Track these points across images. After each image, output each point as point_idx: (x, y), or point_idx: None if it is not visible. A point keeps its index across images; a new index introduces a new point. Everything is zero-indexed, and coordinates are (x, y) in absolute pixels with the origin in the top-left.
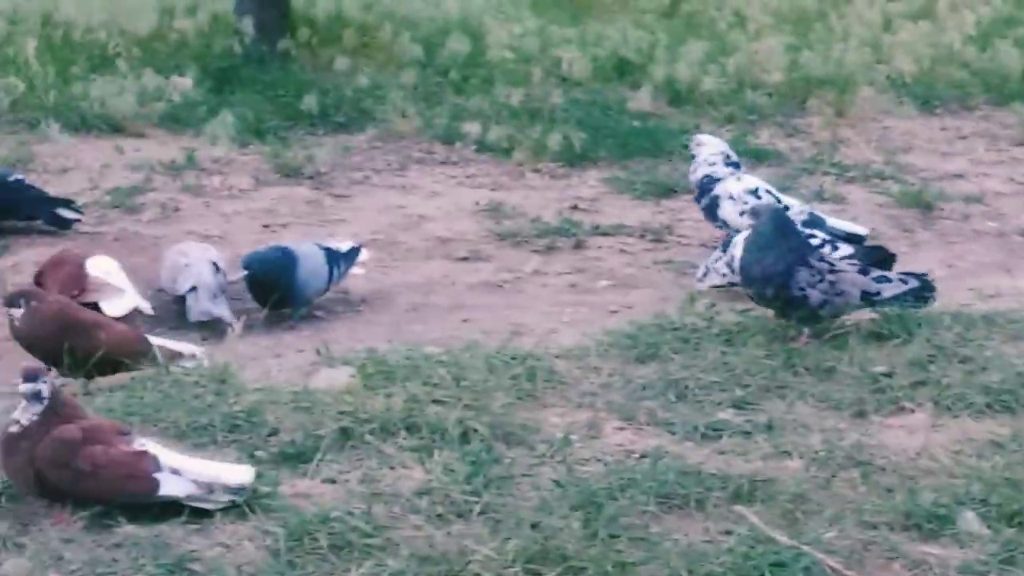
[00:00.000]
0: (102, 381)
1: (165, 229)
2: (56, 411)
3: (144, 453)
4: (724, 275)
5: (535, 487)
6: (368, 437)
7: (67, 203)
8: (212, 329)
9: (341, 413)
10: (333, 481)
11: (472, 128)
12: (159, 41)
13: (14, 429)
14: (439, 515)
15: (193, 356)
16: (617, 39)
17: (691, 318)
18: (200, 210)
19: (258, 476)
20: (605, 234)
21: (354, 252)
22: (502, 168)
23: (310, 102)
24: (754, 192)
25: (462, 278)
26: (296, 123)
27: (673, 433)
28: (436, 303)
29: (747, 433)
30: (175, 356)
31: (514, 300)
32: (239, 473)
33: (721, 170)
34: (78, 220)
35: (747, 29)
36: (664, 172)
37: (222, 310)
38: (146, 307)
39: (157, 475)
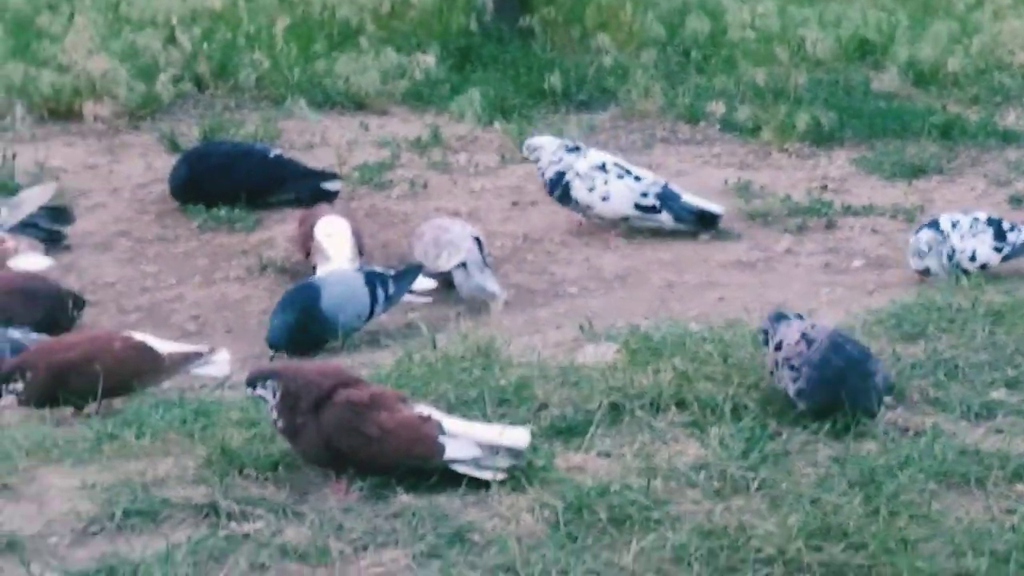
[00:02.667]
0: None
1: (414, 205)
2: (293, 393)
3: (428, 418)
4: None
5: (811, 463)
6: (638, 412)
7: (331, 176)
8: (469, 305)
9: (610, 388)
10: (607, 455)
11: (716, 107)
12: (397, 19)
13: (280, 423)
14: (717, 490)
15: (211, 353)
16: (857, 19)
17: (957, 298)
18: (447, 187)
19: (532, 450)
20: (856, 214)
21: (410, 273)
22: (748, 148)
23: (553, 80)
24: (601, 167)
25: (713, 256)
26: (539, 101)
27: (946, 412)
28: (689, 280)
29: (1022, 413)
30: (189, 358)
31: (768, 279)
32: (519, 435)
33: (567, 160)
34: (338, 192)
35: (986, 10)
36: (912, 152)
37: (492, 285)
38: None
39: (441, 439)
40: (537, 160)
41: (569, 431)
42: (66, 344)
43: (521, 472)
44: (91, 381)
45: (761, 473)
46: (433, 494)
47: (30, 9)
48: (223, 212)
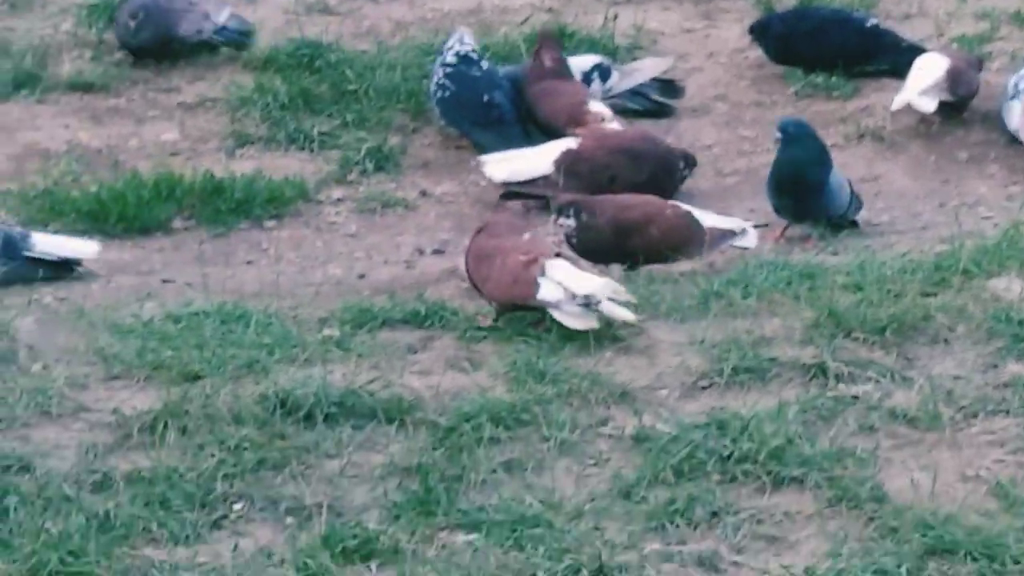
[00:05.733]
0: None
1: None
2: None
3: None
4: None
5: None
6: None
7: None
8: None
9: None
10: None
11: None
12: None
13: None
14: None
15: (744, 232)
16: None
17: None
18: None
19: None
20: None
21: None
22: None
23: None
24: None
25: None
26: None
27: None
28: None
29: None
30: (725, 235)
31: None
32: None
33: None
34: None
35: None
36: None
37: None
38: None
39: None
40: None
41: None
42: (625, 203)
43: None
44: (647, 243)
45: None
46: None
47: None
48: (820, 79)
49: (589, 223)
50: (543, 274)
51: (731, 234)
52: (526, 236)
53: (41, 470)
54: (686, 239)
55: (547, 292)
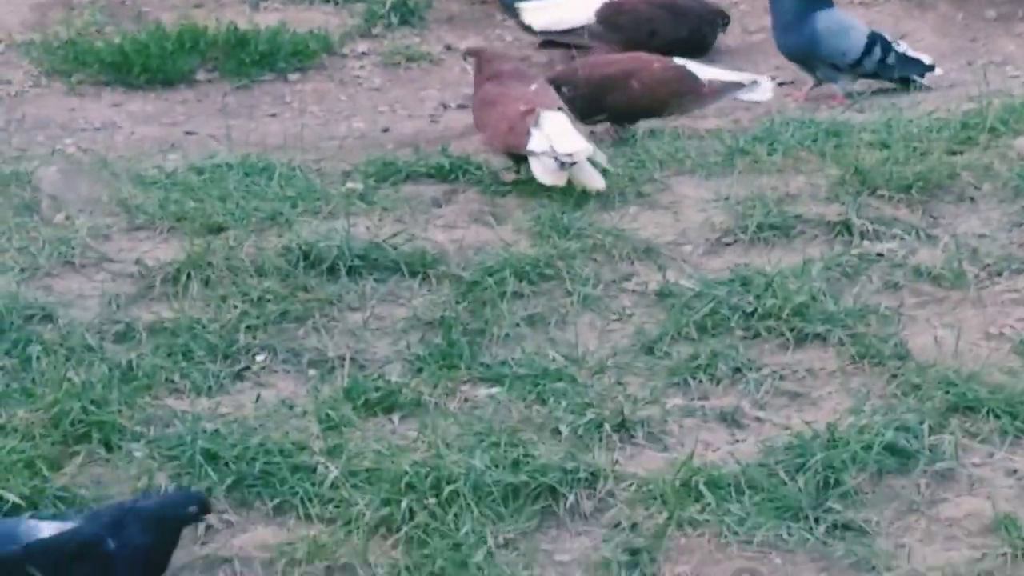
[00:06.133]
0: None
1: None
2: None
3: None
4: None
5: None
6: None
7: None
8: None
9: None
10: None
11: None
12: None
13: None
14: None
15: (754, 83)
16: None
17: None
18: None
19: None
20: None
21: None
22: None
23: None
24: None
25: None
26: None
27: None
28: None
29: None
30: (728, 88)
31: None
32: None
33: None
34: None
35: None
36: None
37: None
38: None
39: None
40: None
41: None
42: (607, 60)
43: None
44: (629, 97)
45: None
46: None
47: None
48: None
49: (573, 90)
50: (536, 124)
51: (736, 86)
52: (533, 87)
53: (64, 320)
54: (675, 92)
55: (535, 143)
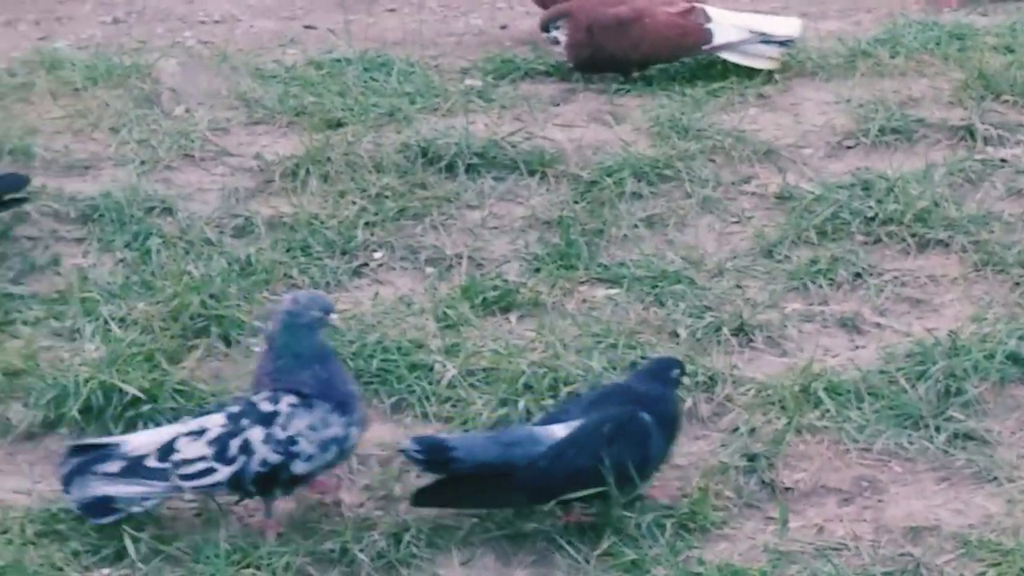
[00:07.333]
0: None
1: None
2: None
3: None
4: None
5: None
6: None
7: None
8: None
9: None
10: None
11: None
12: None
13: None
14: None
15: (790, 40)
16: None
17: None
18: None
19: None
20: None
21: None
22: None
23: None
24: None
25: None
26: None
27: None
28: None
29: None
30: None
31: None
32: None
33: None
34: None
35: None
36: None
37: None
38: None
39: (708, 26)
40: None
41: None
42: (609, 2)
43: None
44: (630, 42)
45: None
46: None
47: None
48: None
49: (572, 30)
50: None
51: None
52: None
53: (183, 213)
54: (682, 38)
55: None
